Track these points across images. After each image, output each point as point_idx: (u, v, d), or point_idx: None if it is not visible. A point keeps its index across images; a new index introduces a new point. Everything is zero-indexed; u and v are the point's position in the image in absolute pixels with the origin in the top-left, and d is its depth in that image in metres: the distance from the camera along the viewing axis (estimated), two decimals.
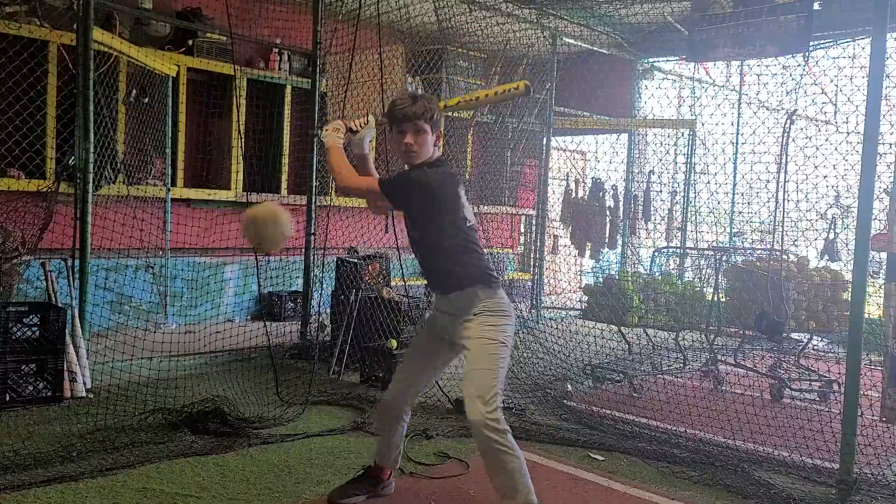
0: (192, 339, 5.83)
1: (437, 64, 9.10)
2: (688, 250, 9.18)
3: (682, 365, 6.81)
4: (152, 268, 6.92)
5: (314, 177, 6.76)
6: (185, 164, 7.46)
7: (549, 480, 3.86)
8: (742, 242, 9.51)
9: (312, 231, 6.76)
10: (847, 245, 6.84)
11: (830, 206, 7.85)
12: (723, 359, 6.62)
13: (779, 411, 5.38)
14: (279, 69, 8.06)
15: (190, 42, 7.25)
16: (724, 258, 6.83)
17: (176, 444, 4.08)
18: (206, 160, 7.80)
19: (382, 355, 5.70)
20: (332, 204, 7.20)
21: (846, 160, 6.67)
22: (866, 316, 3.95)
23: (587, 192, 9.17)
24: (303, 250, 6.88)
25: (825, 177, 6.81)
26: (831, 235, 6.95)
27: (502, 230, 10.40)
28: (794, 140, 6.66)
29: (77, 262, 5.19)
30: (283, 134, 7.97)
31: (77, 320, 5.02)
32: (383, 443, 3.54)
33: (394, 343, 5.72)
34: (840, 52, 6.87)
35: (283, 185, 8.01)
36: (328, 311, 6.62)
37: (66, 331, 4.84)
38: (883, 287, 4.07)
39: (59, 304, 4.95)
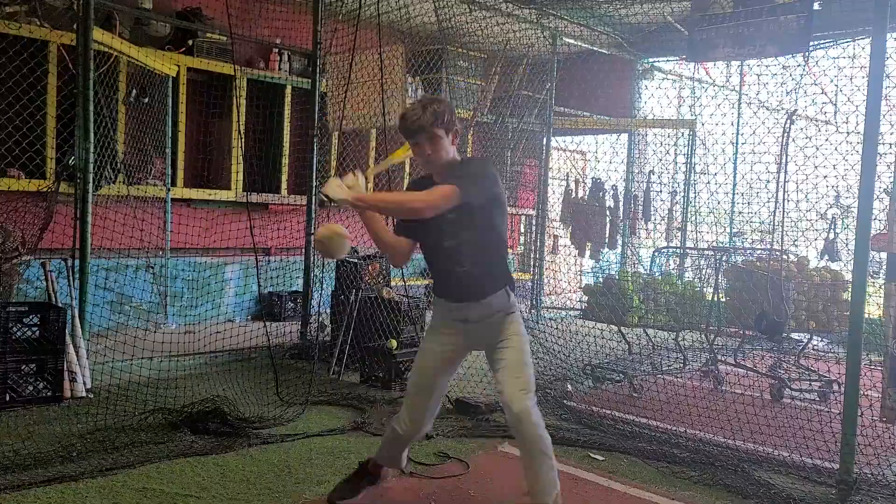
0: (192, 339, 5.83)
1: (437, 64, 9.10)
2: (688, 250, 9.18)
3: (682, 365, 6.81)
4: (152, 268, 6.92)
5: (314, 177, 6.76)
6: (186, 164, 7.46)
7: None
8: (742, 242, 9.51)
9: (312, 231, 6.75)
10: (847, 245, 6.84)
11: (830, 206, 7.85)
12: (723, 359, 6.61)
13: (779, 411, 5.38)
14: (279, 69, 8.06)
15: (190, 42, 7.25)
16: (724, 258, 6.82)
17: (176, 444, 4.08)
18: (207, 160, 7.80)
19: (382, 355, 5.69)
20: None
21: (846, 160, 6.67)
22: (866, 316, 3.95)
23: (587, 192, 9.16)
24: (303, 250, 6.88)
25: (825, 177, 6.81)
26: (831, 235, 6.95)
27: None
28: (794, 140, 6.66)
29: (77, 262, 5.19)
30: (283, 134, 7.98)
31: (77, 320, 5.02)
32: (396, 451, 3.51)
33: (394, 343, 5.72)
34: (840, 52, 6.87)
35: (283, 185, 8.01)
36: (328, 311, 6.63)
37: (66, 331, 4.84)
38: (883, 287, 4.07)
39: (59, 304, 4.95)
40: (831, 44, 7.53)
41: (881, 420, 4.13)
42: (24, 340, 4.70)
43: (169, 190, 7.13)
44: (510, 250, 10.54)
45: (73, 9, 5.84)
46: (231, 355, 6.23)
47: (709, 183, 9.51)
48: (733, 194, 9.57)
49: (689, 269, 9.44)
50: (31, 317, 4.75)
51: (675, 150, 9.96)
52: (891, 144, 5.03)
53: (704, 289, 7.69)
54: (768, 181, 7.95)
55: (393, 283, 6.81)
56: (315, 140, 6.77)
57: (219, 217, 7.60)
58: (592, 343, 6.55)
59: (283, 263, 7.69)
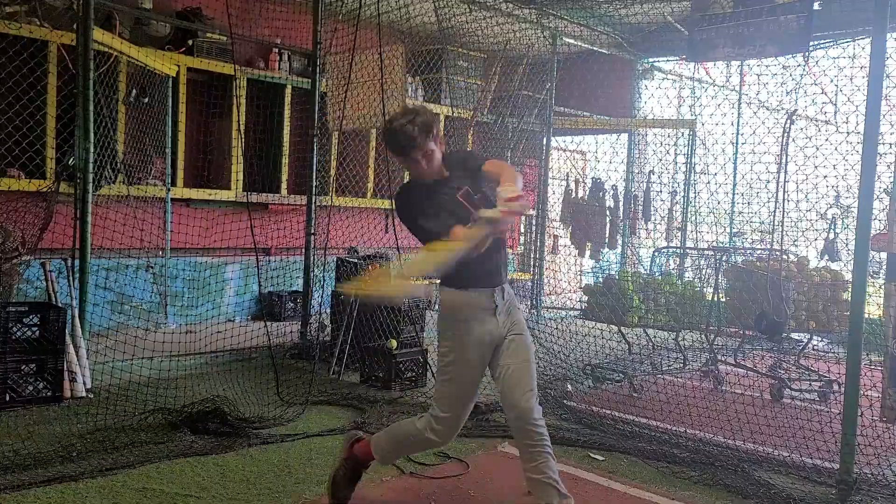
0: (192, 339, 5.83)
1: (437, 64, 9.11)
2: (688, 250, 9.18)
3: (682, 365, 6.81)
4: (152, 268, 6.92)
5: (314, 177, 6.76)
6: (186, 164, 7.46)
7: None
8: (742, 242, 9.51)
9: (312, 231, 6.76)
10: (847, 245, 6.84)
11: (830, 206, 7.85)
12: (723, 359, 6.62)
13: (779, 411, 5.38)
14: (279, 69, 8.06)
15: (190, 42, 7.25)
16: (724, 258, 6.82)
17: (176, 444, 4.08)
18: (207, 160, 7.80)
19: (382, 355, 5.70)
20: (332, 204, 7.20)
21: (846, 160, 6.67)
22: (866, 316, 3.95)
23: (587, 192, 9.16)
24: (303, 250, 6.88)
25: (825, 177, 6.81)
26: (831, 235, 6.95)
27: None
28: (794, 140, 6.66)
29: (77, 262, 5.19)
30: (283, 134, 7.97)
31: (77, 320, 5.02)
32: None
33: (394, 343, 5.72)
34: (840, 52, 6.87)
35: (283, 185, 8.01)
36: (328, 311, 6.63)
37: (66, 331, 4.84)
38: (883, 287, 4.07)
39: (59, 304, 4.96)
40: (831, 44, 7.53)
41: (881, 420, 4.13)
42: (24, 340, 4.70)
43: (169, 190, 7.13)
44: (510, 250, 10.60)
45: (73, 9, 5.84)
46: (231, 355, 6.23)
47: (709, 183, 9.51)
48: (733, 194, 9.57)
49: (689, 269, 9.44)
50: (31, 317, 4.75)
51: (675, 150, 9.96)
52: (891, 144, 5.04)
53: (704, 289, 7.69)
54: (768, 181, 7.95)
55: None
56: (315, 140, 6.77)
57: (219, 217, 7.60)
58: (592, 343, 6.55)
59: (283, 263, 7.69)
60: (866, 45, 5.86)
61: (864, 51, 6.47)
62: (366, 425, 4.60)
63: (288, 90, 7.99)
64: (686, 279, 9.11)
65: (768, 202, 7.56)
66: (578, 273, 10.64)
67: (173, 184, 7.20)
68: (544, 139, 9.08)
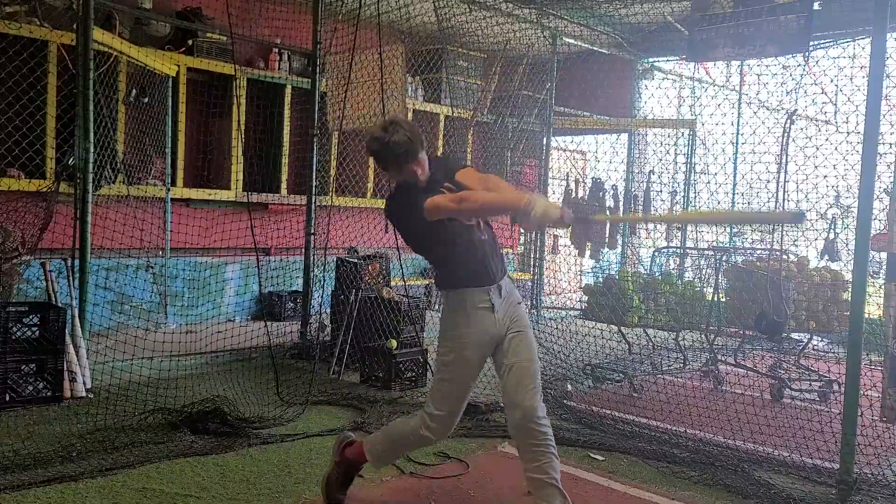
0: (192, 339, 5.83)
1: (437, 64, 9.11)
2: (688, 250, 9.18)
3: (682, 365, 6.81)
4: (152, 268, 6.92)
5: (314, 177, 6.76)
6: (185, 164, 7.46)
7: None
8: (742, 242, 9.51)
9: (312, 231, 6.76)
10: (847, 245, 6.84)
11: (830, 206, 7.85)
12: (723, 359, 6.61)
13: (779, 411, 5.37)
14: (279, 69, 8.07)
15: (190, 42, 7.25)
16: (724, 258, 6.83)
17: (176, 444, 4.08)
18: (207, 160, 7.80)
19: (382, 355, 5.69)
20: (332, 204, 7.20)
21: (846, 160, 6.67)
22: (866, 316, 3.95)
23: (587, 192, 9.15)
24: (303, 250, 6.88)
25: (825, 177, 6.81)
26: (831, 235, 6.94)
27: (502, 230, 10.40)
28: (794, 140, 6.66)
29: (77, 261, 5.19)
30: (283, 134, 7.97)
31: (77, 320, 5.02)
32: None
33: (394, 343, 5.72)
34: (840, 52, 6.88)
35: (283, 184, 8.01)
36: (328, 311, 6.63)
37: (66, 331, 4.84)
38: (883, 287, 4.07)
39: (59, 304, 4.96)
40: (831, 44, 7.53)
41: (881, 420, 4.13)
42: (24, 340, 4.70)
43: (169, 190, 7.13)
44: (510, 250, 10.60)
45: (73, 9, 5.84)
46: (231, 355, 6.23)
47: (709, 183, 9.51)
48: (733, 194, 9.57)
49: (689, 269, 9.44)
50: (31, 317, 4.75)
51: (675, 149, 9.96)
52: (891, 144, 5.04)
53: (704, 289, 7.69)
54: (768, 181, 7.95)
55: (393, 283, 6.81)
56: (315, 140, 6.77)
57: (219, 217, 7.60)
58: (592, 343, 6.55)
59: (283, 263, 7.69)
60: (866, 45, 5.87)
61: (864, 51, 6.47)
62: (365, 425, 4.60)
63: (288, 90, 7.99)
64: (686, 279, 9.11)
65: (768, 202, 7.56)
66: (578, 273, 10.64)
67: (173, 184, 7.20)
68: (544, 139, 9.07)
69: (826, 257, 7.00)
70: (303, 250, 6.88)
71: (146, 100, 6.65)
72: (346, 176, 8.31)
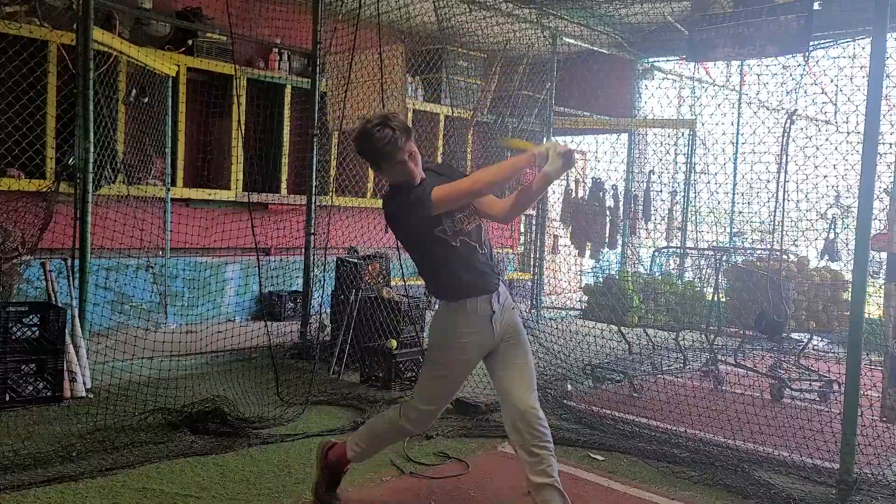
0: (192, 339, 5.83)
1: (437, 64, 9.11)
2: (688, 250, 9.18)
3: (682, 365, 6.81)
4: (152, 267, 6.92)
5: (314, 177, 6.76)
6: (185, 164, 7.46)
7: None
8: (742, 242, 9.51)
9: (312, 231, 6.76)
10: (847, 245, 6.84)
11: (830, 206, 7.85)
12: (723, 359, 6.61)
13: (779, 411, 5.38)
14: (279, 69, 8.07)
15: (190, 42, 7.25)
16: (724, 258, 6.82)
17: (176, 444, 4.08)
18: (206, 160, 7.80)
19: (382, 355, 5.69)
20: (332, 204, 7.20)
21: (846, 160, 6.67)
22: (866, 316, 3.95)
23: (587, 192, 9.16)
24: (303, 250, 6.88)
25: (825, 177, 6.80)
26: (831, 235, 6.94)
27: (502, 230, 10.41)
28: (794, 140, 6.66)
29: (77, 262, 5.19)
30: (283, 134, 7.98)
31: (77, 320, 5.02)
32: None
33: (394, 343, 5.72)
34: (840, 52, 6.88)
35: (283, 185, 8.01)
36: (328, 311, 6.62)
37: (66, 331, 4.84)
38: (883, 287, 4.07)
39: (59, 304, 4.95)
40: (831, 44, 7.53)
41: (881, 420, 4.13)
42: (24, 340, 4.70)
43: (169, 190, 7.13)
44: (510, 250, 10.60)
45: (73, 9, 5.84)
46: (231, 355, 6.23)
47: (709, 183, 9.52)
48: (733, 194, 9.57)
49: (689, 269, 9.45)
50: (31, 317, 4.75)
51: (675, 149, 9.96)
52: (891, 144, 5.03)
53: (704, 289, 7.69)
54: (768, 181, 7.95)
55: (393, 283, 6.81)
56: (315, 140, 6.77)
57: (218, 217, 7.60)
58: (592, 343, 6.55)
59: (283, 263, 7.69)
60: (866, 45, 5.86)
61: (864, 51, 6.47)
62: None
63: (288, 90, 7.99)
64: (686, 279, 9.11)
65: (768, 202, 7.56)
66: (578, 273, 10.64)
67: (173, 184, 7.20)
68: (544, 139, 9.07)
69: (826, 257, 7.01)
70: (303, 250, 6.88)
71: (146, 100, 6.66)
72: (346, 176, 8.31)
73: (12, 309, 4.69)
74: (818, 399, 5.88)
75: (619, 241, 9.29)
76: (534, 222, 9.88)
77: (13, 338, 4.64)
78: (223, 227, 7.28)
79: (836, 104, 7.67)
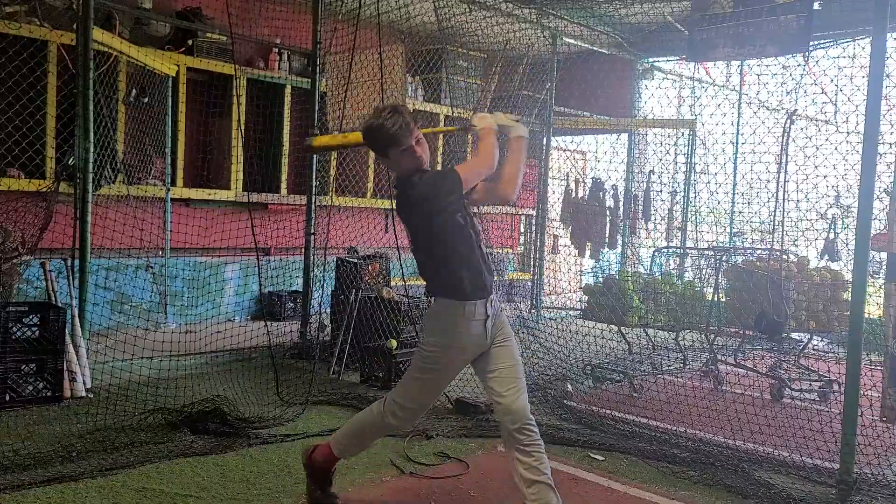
0: (192, 339, 5.83)
1: (437, 64, 9.11)
2: (688, 250, 9.19)
3: (682, 365, 6.81)
4: (152, 267, 6.92)
5: (314, 177, 6.76)
6: (185, 164, 7.46)
7: None
8: (742, 242, 9.51)
9: (312, 231, 6.76)
10: (847, 245, 6.84)
11: (830, 206, 7.85)
12: (723, 359, 6.62)
13: (779, 411, 5.38)
14: (279, 69, 8.07)
15: (190, 42, 7.25)
16: (724, 258, 6.83)
17: (176, 444, 4.08)
18: (206, 160, 7.80)
19: (382, 355, 5.69)
20: (331, 204, 7.21)
21: (846, 160, 6.67)
22: (866, 316, 3.95)
23: (587, 192, 9.16)
24: (303, 250, 6.88)
25: (825, 177, 6.81)
26: (831, 235, 6.95)
27: (502, 230, 10.41)
28: (794, 140, 6.66)
29: (77, 261, 5.19)
30: (283, 134, 7.97)
31: (77, 320, 5.02)
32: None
33: (394, 343, 5.72)
34: (840, 52, 6.88)
35: (283, 184, 8.01)
36: (328, 311, 6.63)
37: (66, 330, 4.84)
38: (883, 287, 4.07)
39: (59, 304, 4.95)
40: (831, 44, 7.53)
41: (881, 420, 4.13)
42: (24, 340, 4.70)
43: (169, 190, 7.13)
44: (510, 250, 10.61)
45: (73, 9, 5.84)
46: (231, 355, 6.23)
47: (709, 183, 9.52)
48: (733, 194, 9.57)
49: (689, 269, 9.45)
50: (31, 317, 4.75)
51: (675, 149, 9.96)
52: (891, 144, 5.04)
53: (704, 289, 7.69)
54: (768, 181, 7.95)
55: (393, 283, 6.81)
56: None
57: (218, 217, 7.60)
58: (592, 343, 6.55)
59: (283, 263, 7.69)
60: (866, 45, 5.87)
61: (864, 51, 6.48)
62: None
63: (288, 90, 7.99)
64: (686, 279, 9.11)
65: (768, 202, 7.56)
66: (578, 273, 10.64)
67: (173, 184, 7.20)
68: (544, 139, 9.08)
69: (826, 257, 7.01)
70: (303, 250, 6.88)
71: (146, 100, 6.65)
72: (346, 176, 8.31)
73: (12, 309, 4.69)
74: (818, 399, 5.88)
75: (619, 241, 9.30)
76: (534, 222, 9.88)
77: (13, 338, 4.64)
78: (223, 227, 7.28)
79: (836, 104, 7.68)
